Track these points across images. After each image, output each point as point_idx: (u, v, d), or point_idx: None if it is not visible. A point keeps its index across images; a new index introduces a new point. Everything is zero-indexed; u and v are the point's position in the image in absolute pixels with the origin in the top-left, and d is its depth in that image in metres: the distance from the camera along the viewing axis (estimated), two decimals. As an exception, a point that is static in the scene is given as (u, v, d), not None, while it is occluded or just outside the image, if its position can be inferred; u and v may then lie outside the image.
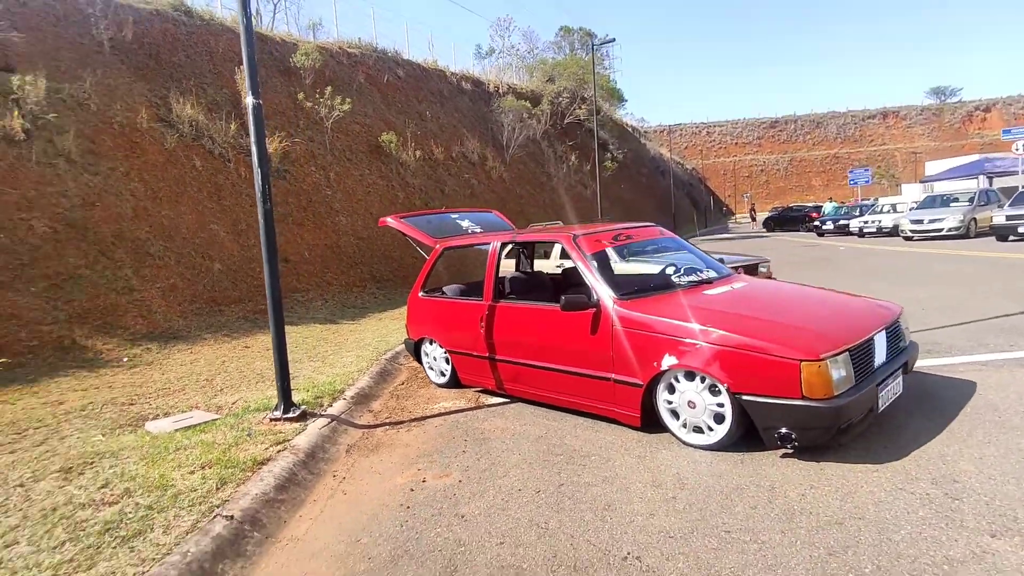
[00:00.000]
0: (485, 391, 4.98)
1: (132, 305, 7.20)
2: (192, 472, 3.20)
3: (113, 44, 9.70)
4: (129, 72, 9.72)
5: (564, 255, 6.44)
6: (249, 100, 4.03)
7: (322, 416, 4.27)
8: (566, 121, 25.42)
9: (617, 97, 31.29)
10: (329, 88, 12.40)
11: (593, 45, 18.86)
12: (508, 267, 6.18)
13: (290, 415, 4.14)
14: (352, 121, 13.33)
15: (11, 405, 4.75)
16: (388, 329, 7.98)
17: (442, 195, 15.07)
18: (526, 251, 6.30)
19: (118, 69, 9.55)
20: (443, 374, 5.27)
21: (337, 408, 4.51)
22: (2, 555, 2.42)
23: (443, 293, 5.41)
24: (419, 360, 5.61)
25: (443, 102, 18.52)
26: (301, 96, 12.27)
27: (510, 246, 5.11)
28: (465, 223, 6.07)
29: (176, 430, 4.01)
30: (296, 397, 4.50)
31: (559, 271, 6.56)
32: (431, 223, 5.94)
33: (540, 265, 7.33)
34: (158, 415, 4.49)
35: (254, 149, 4.05)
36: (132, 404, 4.79)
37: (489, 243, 4.89)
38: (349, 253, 11.31)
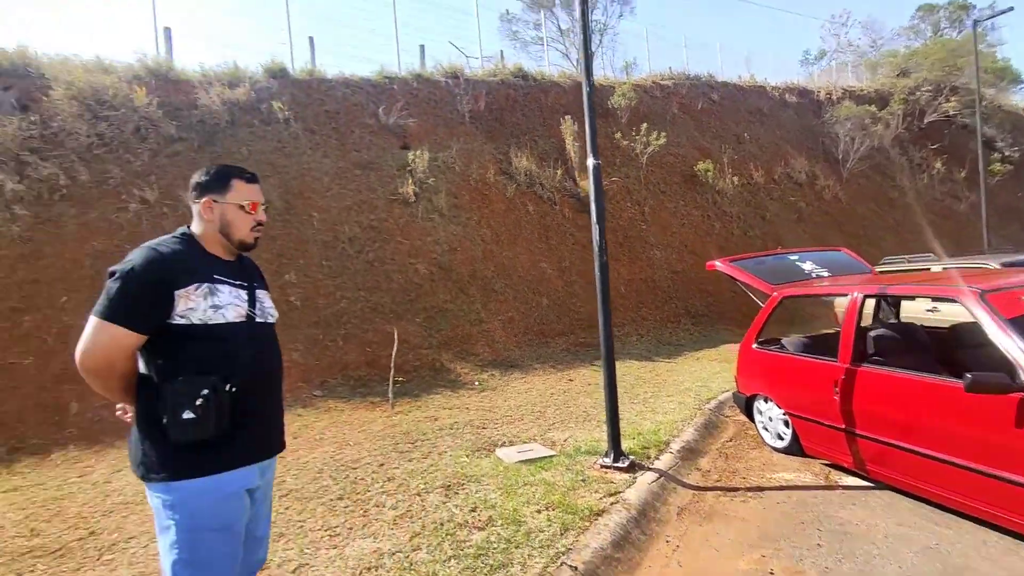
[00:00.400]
0: (836, 467, 4.21)
1: (481, 335, 8.46)
2: (539, 511, 3.45)
3: (471, 115, 11.77)
4: (482, 136, 11.64)
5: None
6: (590, 161, 4.28)
7: (650, 470, 4.19)
8: (927, 120, 20.77)
9: (1010, 77, 24.08)
10: (644, 125, 12.69)
11: (976, 21, 14.79)
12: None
13: (619, 464, 4.17)
14: (666, 153, 13.37)
15: (404, 416, 6.00)
16: (708, 372, 7.57)
17: (763, 222, 13.86)
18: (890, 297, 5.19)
19: (474, 135, 11.53)
20: (780, 438, 4.67)
21: (665, 462, 4.38)
22: (412, 558, 2.95)
23: (783, 347, 4.81)
24: (750, 417, 5.10)
25: (763, 120, 17.16)
26: (618, 135, 12.85)
27: (874, 299, 4.22)
28: (807, 265, 5.34)
29: (520, 461, 4.44)
30: (623, 444, 4.56)
31: (938, 319, 5.22)
32: (765, 266, 5.41)
33: (907, 308, 5.95)
34: (504, 442, 5.06)
35: (593, 207, 4.27)
36: (484, 428, 5.53)
37: (847, 294, 4.15)
38: (663, 287, 11.25)
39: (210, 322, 1.71)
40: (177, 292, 1.67)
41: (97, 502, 4.05)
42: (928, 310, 6.15)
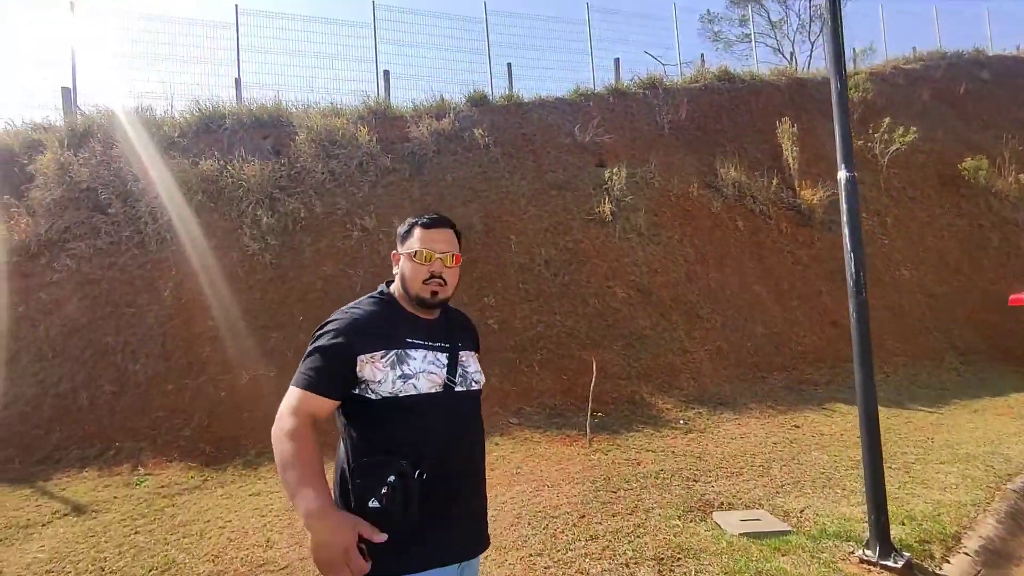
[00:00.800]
0: None
1: (684, 366, 7.65)
2: (782, 621, 2.71)
3: (671, 126, 11.01)
4: (682, 147, 10.80)
5: None
6: (842, 174, 3.43)
7: (937, 577, 3.13)
8: None
9: None
10: (887, 120, 10.63)
11: None
12: None
13: (890, 563, 3.18)
14: (914, 151, 11.05)
15: (604, 456, 5.53)
16: (996, 432, 5.82)
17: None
18: None
19: (674, 147, 10.74)
20: None
21: (959, 568, 3.25)
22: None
23: None
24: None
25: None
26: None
27: None
28: None
29: (746, 535, 3.67)
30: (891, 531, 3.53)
31: None
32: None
33: None
34: (722, 503, 4.30)
35: (847, 231, 3.41)
36: (695, 480, 4.80)
37: None
38: (916, 315, 9.18)
39: (400, 394, 1.51)
40: (361, 358, 1.50)
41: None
42: None
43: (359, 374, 1.50)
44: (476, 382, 1.69)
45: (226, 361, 6.73)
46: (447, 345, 1.64)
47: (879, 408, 7.16)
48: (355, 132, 9.00)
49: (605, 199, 9.27)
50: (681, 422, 6.56)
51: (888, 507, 4.06)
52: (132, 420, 6.28)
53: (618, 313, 8.07)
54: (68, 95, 9.59)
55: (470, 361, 1.71)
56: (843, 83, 3.38)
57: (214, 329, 6.97)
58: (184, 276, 7.33)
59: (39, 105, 12.97)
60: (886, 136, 10.56)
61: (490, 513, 4.09)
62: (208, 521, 4.37)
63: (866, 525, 3.80)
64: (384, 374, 1.50)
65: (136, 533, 4.24)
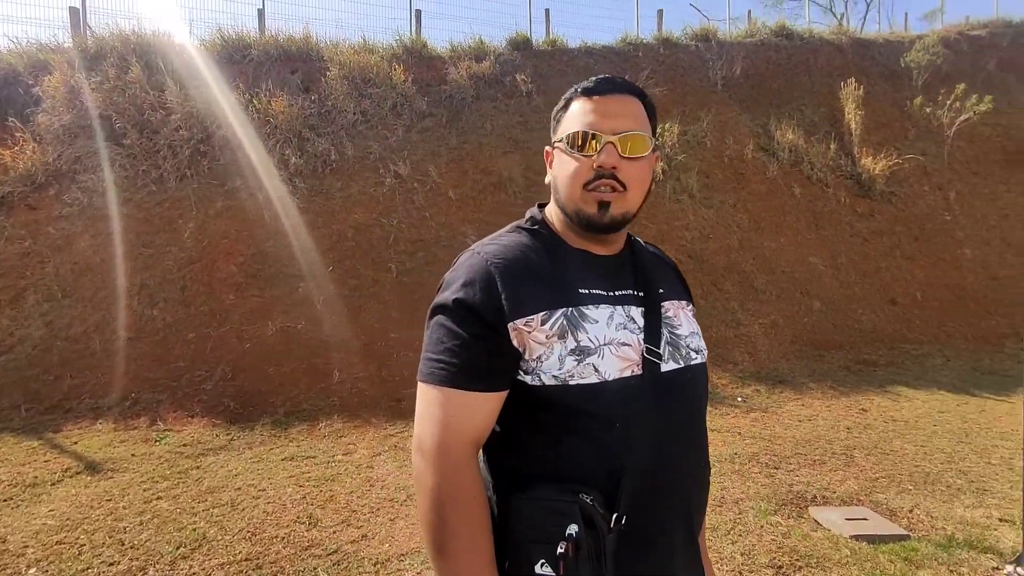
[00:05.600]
0: None
1: (739, 340, 7.14)
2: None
3: (724, 82, 10.22)
4: (736, 106, 10.04)
5: None
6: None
7: (1109, 604, 2.67)
8: None
9: None
10: (961, 86, 9.84)
11: None
12: None
13: (1051, 585, 2.72)
14: (980, 123, 10.28)
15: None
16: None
17: None
18: None
19: (728, 105, 9.98)
20: None
21: (1125, 592, 2.79)
22: None
23: None
24: None
25: None
26: (918, 102, 10.18)
27: None
28: None
29: (858, 537, 3.21)
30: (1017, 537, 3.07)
31: None
32: None
33: None
34: (814, 496, 3.84)
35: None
36: (775, 468, 4.35)
37: None
38: (978, 298, 8.63)
39: (571, 381, 0.89)
40: (512, 325, 0.90)
41: (363, 491, 3.84)
42: None
43: (518, 349, 0.91)
44: (697, 351, 1.03)
45: (251, 310, 6.23)
46: (639, 294, 1.01)
47: (946, 393, 6.72)
48: (389, 71, 8.29)
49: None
50: (740, 399, 6.08)
51: (995, 503, 3.63)
52: (150, 369, 5.83)
53: (668, 280, 7.52)
54: (76, 16, 8.81)
55: (681, 318, 1.05)
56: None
57: (238, 275, 6.45)
58: (206, 217, 6.77)
59: (46, 21, 12.05)
60: (957, 104, 9.78)
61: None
62: (239, 489, 3.93)
63: (994, 532, 3.36)
64: (550, 348, 0.90)
65: (159, 499, 3.80)
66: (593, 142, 0.95)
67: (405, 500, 3.68)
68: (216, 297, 6.31)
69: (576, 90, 1.02)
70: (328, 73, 8.07)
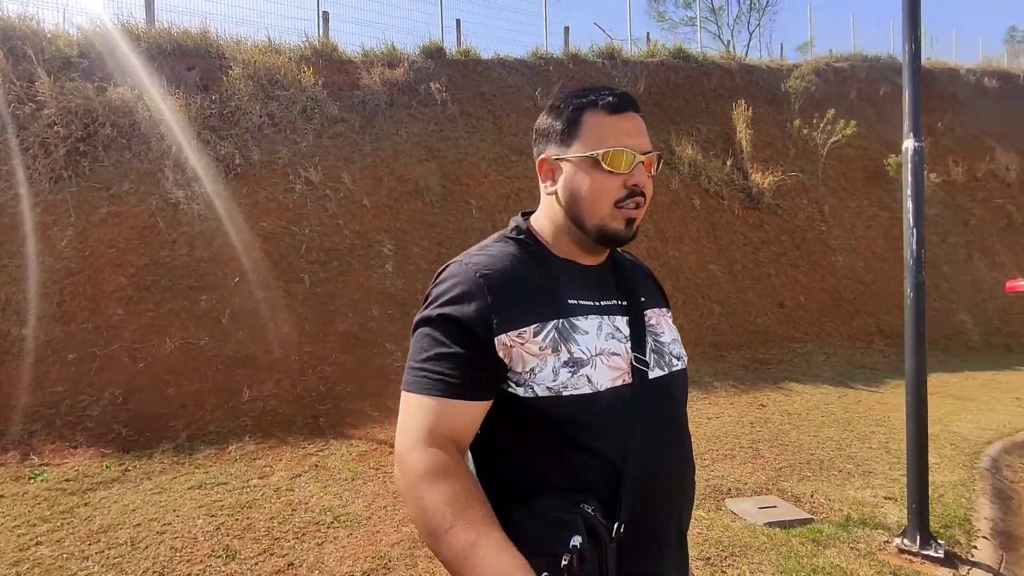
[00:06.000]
0: None
1: (650, 344, 7.50)
2: (861, 625, 2.49)
3: (630, 99, 10.74)
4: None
5: None
6: (909, 143, 3.19)
7: (975, 565, 3.07)
8: None
9: None
10: (831, 111, 11.02)
11: None
12: None
13: (931, 552, 3.08)
14: (847, 145, 11.59)
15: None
16: (936, 410, 6.12)
17: (964, 228, 11.71)
18: None
19: (633, 120, 10.51)
20: None
21: (986, 554, 3.23)
22: None
23: None
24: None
25: (957, 108, 14.59)
26: (796, 124, 11.27)
27: None
28: None
29: (771, 524, 3.47)
30: (900, 513, 3.49)
31: None
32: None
33: None
34: (730, 489, 4.11)
35: (911, 205, 3.18)
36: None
37: None
38: (849, 300, 9.67)
39: (564, 392, 0.90)
40: (501, 338, 0.89)
41: (285, 516, 3.60)
42: None
43: (505, 361, 0.90)
44: (678, 358, 1.06)
45: (145, 326, 5.67)
46: (623, 303, 1.02)
47: (828, 387, 7.44)
48: (298, 73, 7.93)
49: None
50: (654, 401, 6.39)
51: (888, 487, 4.08)
52: (18, 397, 5.13)
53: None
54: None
55: (663, 325, 1.08)
56: (917, 45, 3.13)
57: (129, 288, 5.85)
58: (88, 224, 6.08)
59: None
60: (828, 127, 10.96)
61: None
62: (139, 525, 3.54)
63: (882, 510, 3.76)
64: (543, 360, 0.90)
65: (38, 544, 3.32)
66: (629, 160, 0.96)
67: (332, 522, 3.51)
68: (102, 312, 5.68)
69: (590, 102, 0.99)
70: (230, 72, 7.58)
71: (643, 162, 0.97)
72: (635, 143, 0.97)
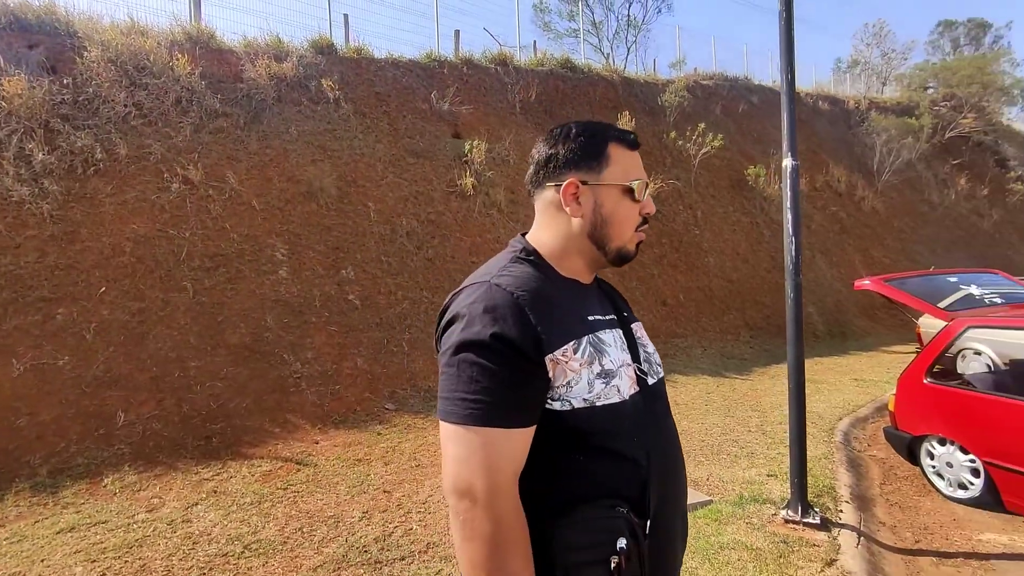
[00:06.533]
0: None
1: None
2: (761, 592, 2.80)
3: (522, 106, 11.05)
4: (533, 128, 10.92)
5: None
6: (788, 162, 3.62)
7: (843, 527, 3.56)
8: (948, 135, 20.56)
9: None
10: (702, 125, 12.09)
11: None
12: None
13: (810, 520, 3.53)
14: (713, 156, 12.78)
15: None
16: (804, 395, 7.00)
17: (808, 232, 13.37)
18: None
19: (526, 127, 10.81)
20: (963, 487, 4.08)
21: (850, 515, 3.75)
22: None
23: (970, 384, 4.23)
24: (912, 459, 4.51)
25: (799, 127, 16.65)
26: (672, 135, 12.22)
27: None
28: (975, 290, 4.75)
29: (677, 509, 3.78)
30: (781, 488, 3.97)
31: None
32: (922, 287, 4.82)
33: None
34: (636, 479, 4.39)
35: (789, 216, 3.61)
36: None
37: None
38: (720, 297, 10.67)
39: (598, 403, 0.95)
40: (548, 358, 0.93)
41: (186, 551, 3.28)
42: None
43: (550, 380, 0.94)
44: (659, 365, 1.17)
45: (-14, 347, 4.86)
46: (615, 318, 1.12)
47: (707, 377, 8.15)
48: (170, 60, 7.19)
49: (466, 172, 8.91)
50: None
51: (767, 464, 4.60)
52: None
53: (485, 291, 7.84)
54: None
55: (645, 337, 1.19)
56: (792, 75, 3.57)
57: (-37, 303, 4.97)
58: (-97, 226, 5.08)
59: None
60: (699, 140, 12.01)
61: (423, 516, 3.61)
62: (0, 579, 3.06)
63: (767, 486, 4.22)
64: (580, 375, 0.95)
65: None
66: (645, 191, 1.10)
67: (243, 552, 3.25)
68: (-73, 332, 4.78)
69: (614, 137, 1.10)
70: (85, 54, 6.69)
71: (651, 195, 1.12)
72: (645, 175, 1.11)
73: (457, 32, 12.62)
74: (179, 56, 7.31)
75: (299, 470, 4.46)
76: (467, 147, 9.13)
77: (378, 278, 7.19)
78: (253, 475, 4.36)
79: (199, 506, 3.87)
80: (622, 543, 0.88)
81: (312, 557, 3.18)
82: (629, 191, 1.06)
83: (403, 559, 3.14)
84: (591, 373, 0.96)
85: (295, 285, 6.52)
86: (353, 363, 6.22)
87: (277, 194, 7.13)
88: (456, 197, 8.69)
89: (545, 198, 1.10)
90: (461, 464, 0.88)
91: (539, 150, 1.12)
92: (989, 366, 5.96)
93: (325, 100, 8.41)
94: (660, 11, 22.20)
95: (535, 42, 15.36)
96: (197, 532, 3.51)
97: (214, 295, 6.01)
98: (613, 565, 0.86)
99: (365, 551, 3.23)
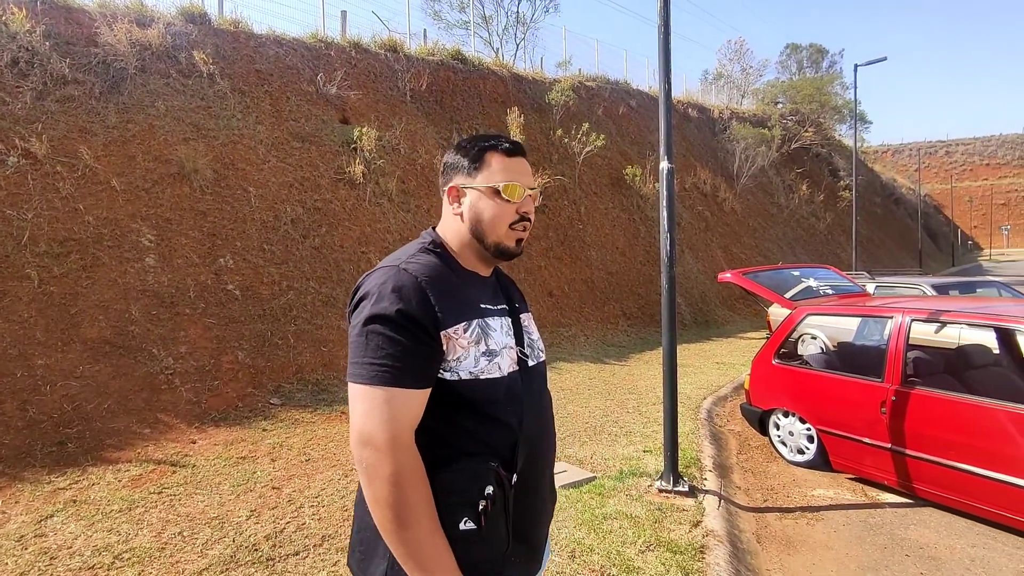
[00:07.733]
0: (865, 481, 4.36)
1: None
2: (642, 552, 3.11)
3: (413, 95, 10.92)
4: (423, 118, 10.85)
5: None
6: (664, 165, 3.98)
7: (708, 492, 4.03)
8: (793, 146, 23.35)
9: (862, 119, 28.04)
10: (586, 124, 12.69)
11: (856, 66, 16.84)
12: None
13: (680, 488, 3.96)
14: (595, 155, 13.49)
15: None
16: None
17: (678, 228, 14.57)
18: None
19: (416, 116, 10.71)
20: (801, 452, 4.77)
21: (712, 482, 4.25)
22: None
23: (807, 363, 4.92)
24: (763, 431, 5.18)
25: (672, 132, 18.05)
26: (558, 133, 12.70)
27: (921, 323, 4.31)
28: (813, 283, 5.52)
29: (564, 486, 4.05)
30: (656, 462, 4.40)
31: (941, 339, 5.71)
32: (772, 280, 5.52)
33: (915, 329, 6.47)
34: (526, 462, 4.62)
35: (664, 215, 3.98)
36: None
37: (889, 316, 4.30)
38: (601, 288, 11.33)
39: (482, 376, 1.14)
40: (443, 333, 1.10)
41: (42, 568, 2.97)
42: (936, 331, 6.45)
43: (444, 354, 1.10)
44: (542, 350, 1.36)
45: None
46: (506, 308, 1.28)
47: (589, 364, 8.66)
48: (3, 15, 6.25)
49: (356, 159, 8.67)
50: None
51: (642, 442, 5.04)
52: None
53: (376, 282, 7.71)
54: None
55: (531, 325, 1.37)
56: (669, 85, 3.92)
57: None
58: None
59: None
60: (583, 138, 12.62)
61: (316, 509, 3.55)
62: None
63: (643, 461, 4.64)
64: (467, 351, 1.12)
65: None
66: (520, 192, 1.23)
67: (113, 563, 3.00)
68: None
69: (489, 146, 1.25)
70: None
71: (530, 195, 1.26)
72: (525, 180, 1.25)
73: (344, 13, 12.17)
74: (16, 10, 6.37)
75: (174, 472, 4.16)
76: (356, 133, 8.88)
77: (260, 267, 6.81)
78: (120, 481, 4.00)
79: (55, 518, 3.49)
80: (489, 490, 1.07)
81: (196, 561, 3.01)
82: (498, 192, 1.21)
83: (297, 554, 3.09)
84: (477, 351, 1.13)
85: (165, 274, 6.00)
86: (234, 357, 5.86)
87: (142, 174, 6.49)
88: (345, 185, 8.43)
89: (445, 200, 1.27)
90: (365, 417, 1.03)
91: (444, 158, 1.30)
92: (822, 348, 6.93)
93: (198, 74, 7.76)
94: (548, 10, 22.72)
95: (425, 31, 15.28)
96: (55, 546, 3.18)
97: (65, 284, 5.37)
98: (481, 507, 1.06)
99: (255, 549, 3.12)
